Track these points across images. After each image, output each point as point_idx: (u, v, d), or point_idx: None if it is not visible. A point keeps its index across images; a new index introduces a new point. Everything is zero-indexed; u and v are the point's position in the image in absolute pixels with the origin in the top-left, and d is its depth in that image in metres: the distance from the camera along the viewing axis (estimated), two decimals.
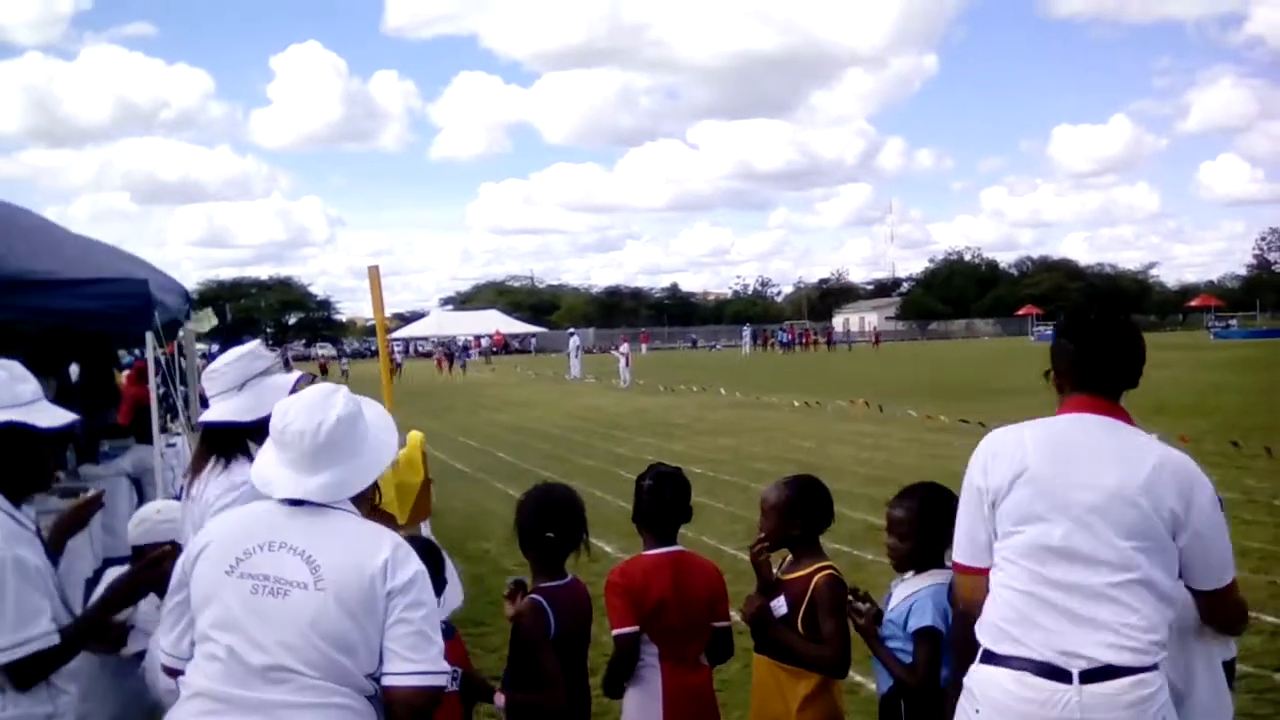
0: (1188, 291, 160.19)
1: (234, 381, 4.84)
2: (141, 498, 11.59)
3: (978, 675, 3.76)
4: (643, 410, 35.36)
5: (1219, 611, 3.83)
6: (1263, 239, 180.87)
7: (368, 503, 3.86)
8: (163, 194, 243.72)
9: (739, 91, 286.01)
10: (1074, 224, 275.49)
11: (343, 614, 3.45)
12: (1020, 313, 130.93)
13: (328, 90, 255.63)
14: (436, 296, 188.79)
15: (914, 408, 29.45)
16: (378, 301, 6.64)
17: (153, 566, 4.28)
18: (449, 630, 4.69)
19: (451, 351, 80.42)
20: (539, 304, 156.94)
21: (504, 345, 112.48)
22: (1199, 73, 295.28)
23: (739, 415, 32.12)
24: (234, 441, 4.78)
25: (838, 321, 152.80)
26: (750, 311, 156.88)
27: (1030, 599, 3.68)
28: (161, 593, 3.84)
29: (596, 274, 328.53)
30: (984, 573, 3.83)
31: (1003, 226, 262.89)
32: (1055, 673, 3.57)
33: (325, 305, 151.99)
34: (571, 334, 65.73)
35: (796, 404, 33.83)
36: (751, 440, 25.11)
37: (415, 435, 6.08)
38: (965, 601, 3.92)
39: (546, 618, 4.69)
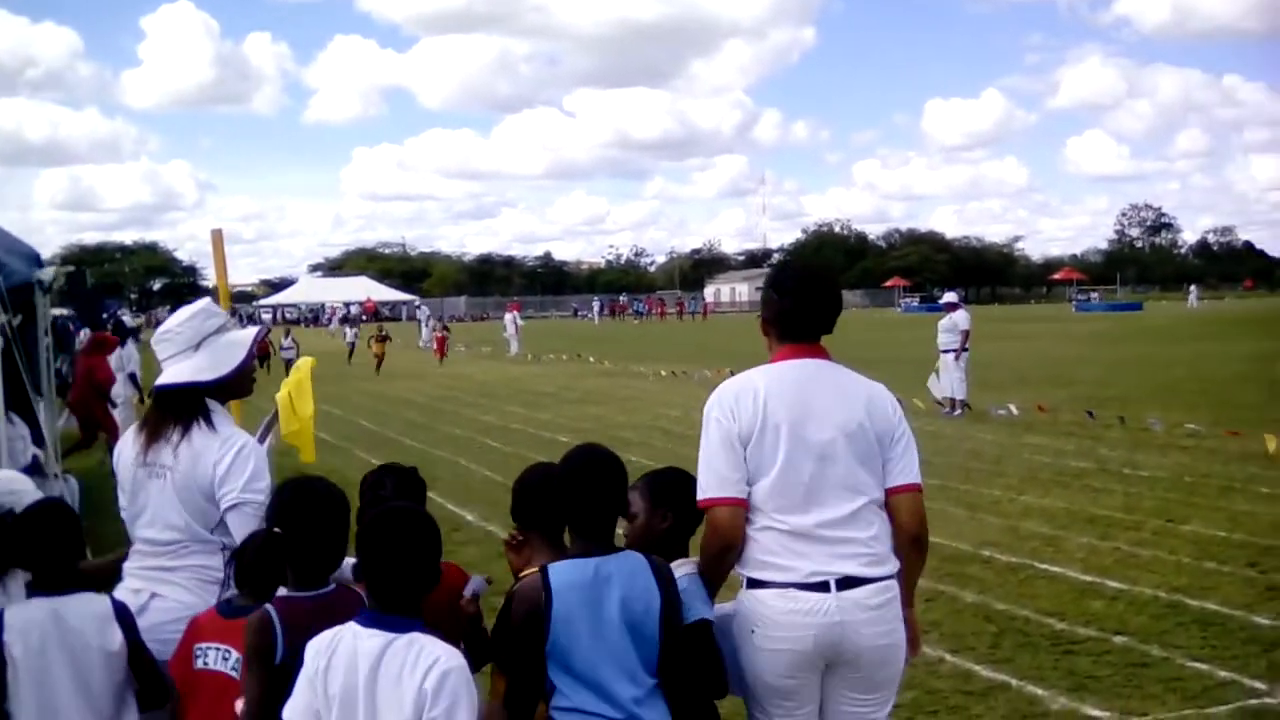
0: (1052, 265, 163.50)
1: (189, 341, 4.65)
2: None
3: (749, 600, 4.12)
4: (513, 379, 35.27)
5: (917, 510, 4.22)
6: (1124, 214, 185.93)
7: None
8: (27, 155, 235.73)
9: (618, 60, 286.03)
10: (944, 197, 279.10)
11: None
12: (888, 284, 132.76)
13: (200, 51, 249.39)
14: (306, 263, 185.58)
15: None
16: (220, 267, 6.49)
17: None
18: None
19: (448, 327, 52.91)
20: (410, 271, 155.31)
21: (374, 313, 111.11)
22: (1069, 50, 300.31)
23: (607, 384, 32.14)
24: (191, 403, 4.60)
25: (709, 292, 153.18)
26: (623, 281, 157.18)
27: (788, 534, 4.07)
28: None
29: (471, 241, 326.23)
30: (741, 503, 4.10)
31: (875, 199, 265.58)
32: (817, 586, 4.01)
33: (191, 271, 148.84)
34: (419, 306, 65.40)
35: (664, 373, 33.92)
36: (619, 409, 25.13)
37: (307, 361, 5.80)
38: (725, 530, 4.10)
39: (273, 635, 3.78)
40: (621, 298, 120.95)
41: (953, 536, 11.62)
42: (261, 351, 33.66)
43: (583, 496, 3.92)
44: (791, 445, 4.06)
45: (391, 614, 3.43)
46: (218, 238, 6.43)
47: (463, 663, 3.39)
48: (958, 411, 22.19)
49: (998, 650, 8.12)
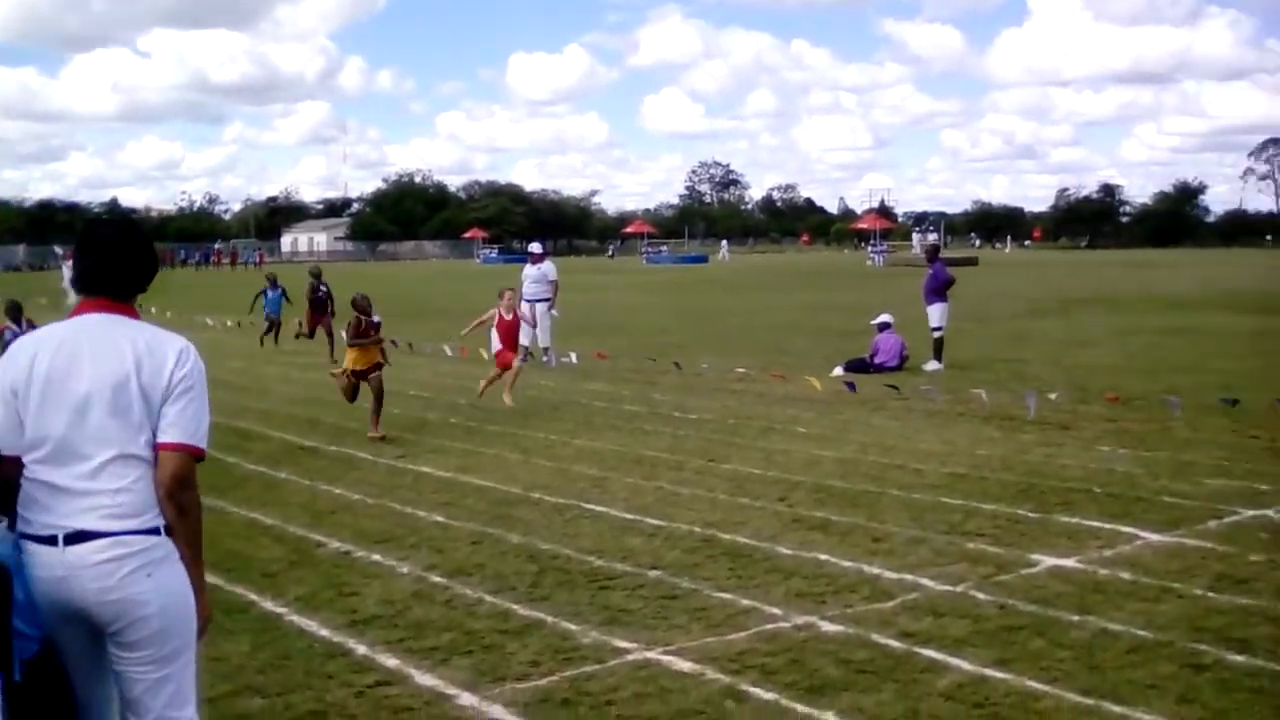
0: (626, 218, 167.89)
1: None
2: None
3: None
4: None
5: (177, 470, 4.07)
6: (695, 171, 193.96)
7: None
8: None
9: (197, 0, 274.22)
10: (527, 151, 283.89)
11: None
12: (467, 235, 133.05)
13: None
14: None
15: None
16: None
17: None
18: None
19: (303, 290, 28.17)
20: None
21: None
22: (650, 10, 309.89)
23: None
24: None
25: (286, 241, 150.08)
26: (196, 229, 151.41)
27: (36, 485, 4.04)
28: None
29: (35, 186, 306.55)
30: (12, 459, 4.06)
31: (458, 150, 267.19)
32: (47, 540, 3.97)
33: None
34: None
35: (230, 324, 33.00)
36: None
37: None
38: (4, 482, 4.09)
39: None
40: (214, 247, 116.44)
41: (503, 480, 11.85)
42: None
43: None
44: (47, 398, 4.04)
45: None
46: None
47: None
48: (549, 359, 22.55)
49: (537, 589, 8.29)
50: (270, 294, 29.08)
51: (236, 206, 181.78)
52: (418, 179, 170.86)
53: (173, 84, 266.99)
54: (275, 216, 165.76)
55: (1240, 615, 7.42)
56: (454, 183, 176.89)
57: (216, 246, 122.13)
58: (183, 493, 4.07)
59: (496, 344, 17.45)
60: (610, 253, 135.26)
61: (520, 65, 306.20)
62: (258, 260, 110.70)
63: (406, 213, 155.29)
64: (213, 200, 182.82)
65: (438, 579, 8.57)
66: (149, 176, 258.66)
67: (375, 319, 15.10)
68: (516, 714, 6.13)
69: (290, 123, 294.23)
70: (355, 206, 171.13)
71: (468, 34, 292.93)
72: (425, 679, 6.62)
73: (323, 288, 26.96)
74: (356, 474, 12.45)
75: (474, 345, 23.72)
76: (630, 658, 6.90)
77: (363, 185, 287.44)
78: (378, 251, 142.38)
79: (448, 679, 6.61)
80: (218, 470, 12.58)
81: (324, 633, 7.45)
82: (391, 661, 6.90)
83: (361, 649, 7.12)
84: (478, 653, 7.04)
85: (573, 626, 7.47)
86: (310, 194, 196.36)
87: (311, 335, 26.69)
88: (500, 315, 17.35)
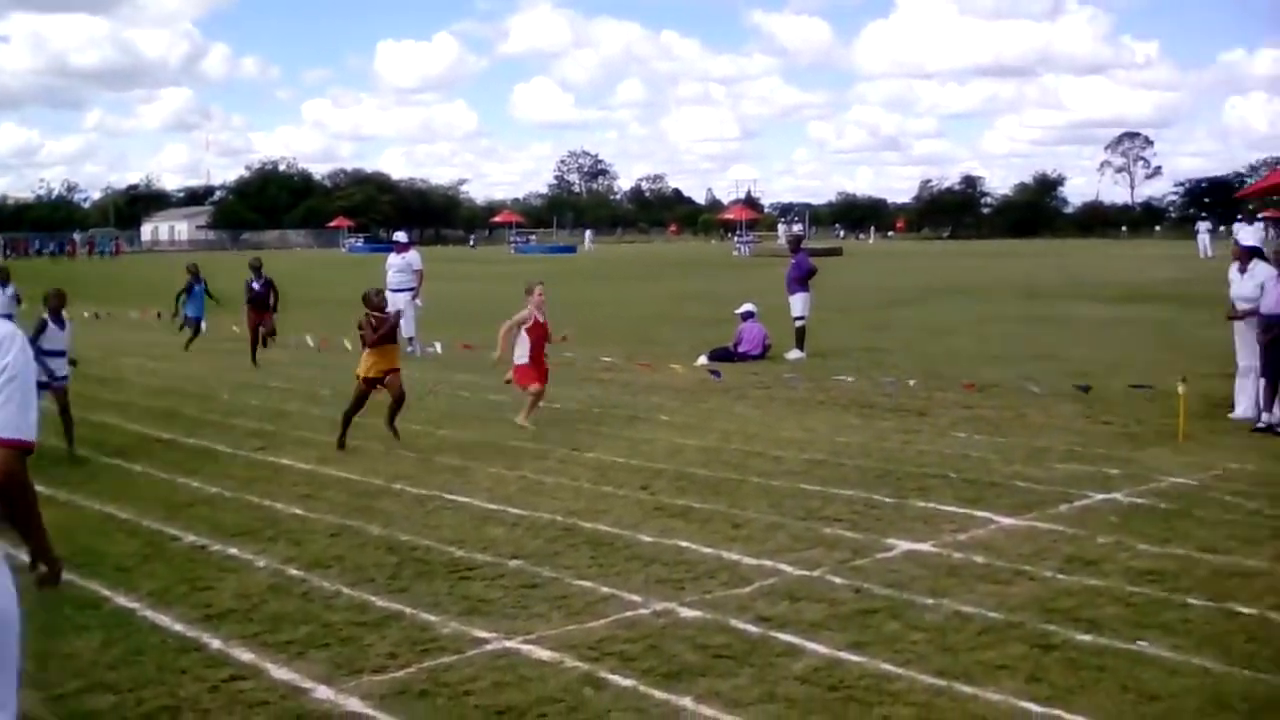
0: (494, 208, 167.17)
1: None
2: None
3: None
4: None
5: (11, 464, 3.81)
6: (564, 161, 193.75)
7: None
8: None
9: None
10: (394, 139, 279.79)
11: None
12: (333, 224, 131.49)
13: None
14: None
15: (212, 319, 28.80)
16: None
17: None
18: None
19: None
20: None
21: None
22: None
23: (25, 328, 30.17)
24: None
25: (146, 230, 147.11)
26: (54, 218, 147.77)
27: None
28: None
29: None
30: None
31: (324, 138, 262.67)
32: None
33: None
34: None
35: (87, 314, 32.29)
36: None
37: None
38: None
39: None
40: (71, 236, 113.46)
41: (365, 472, 11.75)
42: None
43: None
44: None
45: None
46: None
47: None
48: (413, 349, 22.36)
49: (396, 580, 8.23)
50: (196, 289, 26.27)
51: (96, 195, 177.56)
52: (282, 167, 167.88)
53: (31, 69, 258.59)
54: (136, 205, 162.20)
55: (1089, 596, 7.61)
56: (319, 171, 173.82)
57: (74, 236, 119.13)
58: (10, 487, 3.82)
59: (522, 354, 14.50)
60: (471, 243, 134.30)
61: (388, 53, 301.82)
62: (114, 250, 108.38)
63: (270, 201, 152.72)
64: (72, 188, 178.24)
65: (295, 572, 8.47)
66: (6, 164, 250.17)
67: (388, 313, 13.80)
68: (373, 706, 6.07)
69: (152, 109, 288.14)
70: (218, 194, 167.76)
71: (335, 21, 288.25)
72: (281, 672, 6.54)
73: (258, 282, 24.01)
74: (215, 467, 12.27)
75: (336, 335, 23.42)
76: (489, 647, 6.88)
77: (226, 173, 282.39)
78: (240, 240, 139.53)
79: (304, 672, 6.53)
80: (71, 463, 12.34)
81: (178, 627, 7.32)
82: (246, 655, 6.80)
83: (216, 643, 7.01)
84: (335, 645, 6.97)
85: (431, 617, 7.42)
86: (172, 182, 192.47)
87: (254, 336, 22.95)
88: (536, 317, 14.75)
